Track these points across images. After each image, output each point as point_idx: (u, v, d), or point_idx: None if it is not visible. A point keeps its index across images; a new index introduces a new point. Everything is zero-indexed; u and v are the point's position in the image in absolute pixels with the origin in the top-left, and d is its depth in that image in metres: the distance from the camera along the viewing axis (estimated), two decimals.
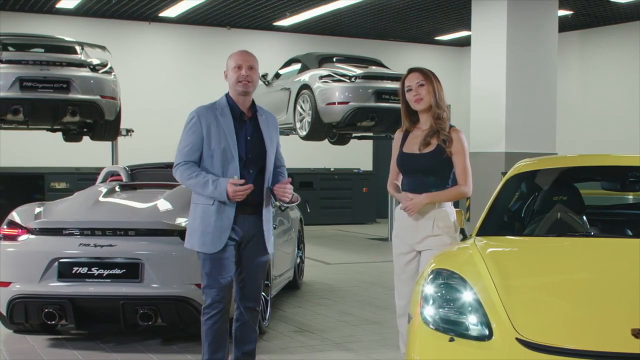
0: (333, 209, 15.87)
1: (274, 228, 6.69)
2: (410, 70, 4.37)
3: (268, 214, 4.39)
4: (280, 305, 7.12)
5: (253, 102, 4.40)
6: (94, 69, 9.36)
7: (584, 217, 4.26)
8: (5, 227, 5.51)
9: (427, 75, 4.29)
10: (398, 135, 4.46)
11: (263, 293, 5.90)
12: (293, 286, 7.95)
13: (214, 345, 4.23)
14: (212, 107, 4.31)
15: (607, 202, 5.09)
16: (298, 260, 8.14)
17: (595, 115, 15.86)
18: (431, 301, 3.32)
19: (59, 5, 13.98)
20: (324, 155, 15.94)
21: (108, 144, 11.61)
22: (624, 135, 14.77)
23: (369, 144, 16.71)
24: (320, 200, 15.58)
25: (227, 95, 4.36)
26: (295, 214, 8.10)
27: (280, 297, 7.33)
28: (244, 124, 4.31)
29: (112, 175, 7.31)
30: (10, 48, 9.66)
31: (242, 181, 4.16)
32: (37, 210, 5.70)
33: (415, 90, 4.27)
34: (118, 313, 5.26)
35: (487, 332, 3.09)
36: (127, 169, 7.27)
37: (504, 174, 9.65)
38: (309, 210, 10.23)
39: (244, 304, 4.41)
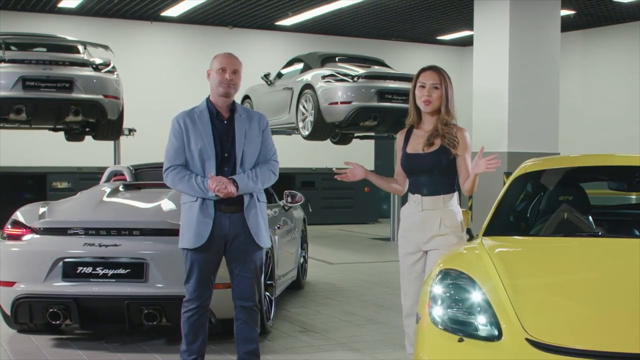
0: (335, 208, 15.85)
1: (278, 228, 6.69)
2: (429, 68, 4.31)
3: (254, 209, 4.42)
4: (284, 305, 7.11)
5: (234, 102, 4.53)
6: (96, 68, 9.35)
7: (590, 217, 4.25)
8: (9, 226, 5.50)
9: (444, 79, 4.24)
10: (400, 138, 4.44)
11: (267, 293, 5.91)
12: (296, 286, 7.95)
13: (191, 336, 4.47)
14: (191, 111, 4.51)
15: (613, 202, 5.08)
16: (301, 260, 8.13)
17: (596, 115, 15.85)
18: (440, 301, 3.31)
19: (61, 5, 13.97)
20: (326, 155, 15.89)
21: (110, 143, 11.60)
22: (625, 135, 14.75)
23: (370, 144, 16.69)
24: (322, 200, 15.56)
25: (207, 99, 4.53)
26: (299, 213, 8.10)
27: (284, 297, 7.33)
28: (221, 124, 4.46)
29: (116, 174, 7.29)
30: (12, 47, 9.67)
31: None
32: (42, 210, 5.67)
33: (428, 91, 4.22)
34: (123, 313, 5.25)
35: (496, 332, 3.09)
36: (131, 168, 7.25)
37: (507, 174, 9.67)
38: (310, 210, 10.22)
39: (239, 302, 4.50)
